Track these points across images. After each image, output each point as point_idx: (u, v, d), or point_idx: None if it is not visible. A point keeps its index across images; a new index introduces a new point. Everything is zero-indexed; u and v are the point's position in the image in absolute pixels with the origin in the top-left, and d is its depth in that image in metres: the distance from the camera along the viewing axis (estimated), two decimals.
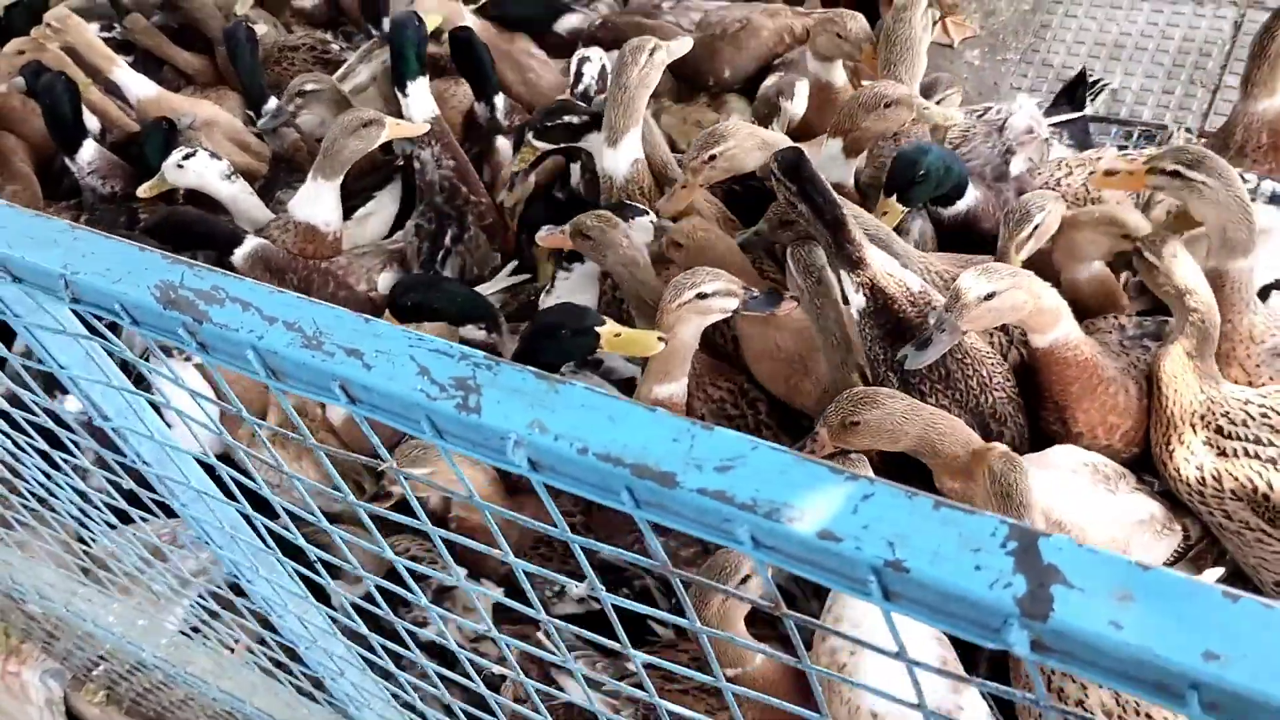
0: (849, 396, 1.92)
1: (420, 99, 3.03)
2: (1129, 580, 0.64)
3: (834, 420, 1.91)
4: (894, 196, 2.38)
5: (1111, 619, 0.63)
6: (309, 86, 3.28)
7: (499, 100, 3.25)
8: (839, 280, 2.14)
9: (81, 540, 1.96)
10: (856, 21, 2.84)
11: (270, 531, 1.30)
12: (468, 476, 0.95)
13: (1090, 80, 3.18)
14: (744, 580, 1.81)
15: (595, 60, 3.06)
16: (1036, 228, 2.20)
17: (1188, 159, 2.03)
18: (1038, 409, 2.15)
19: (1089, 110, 3.12)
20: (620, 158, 2.65)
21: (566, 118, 2.83)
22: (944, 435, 1.90)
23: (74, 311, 1.16)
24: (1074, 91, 3.11)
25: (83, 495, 1.63)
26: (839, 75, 2.99)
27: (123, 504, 1.51)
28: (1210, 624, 0.61)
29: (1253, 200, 2.11)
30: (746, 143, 2.55)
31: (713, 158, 2.50)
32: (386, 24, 3.45)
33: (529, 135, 2.85)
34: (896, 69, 2.66)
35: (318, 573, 1.29)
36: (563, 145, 2.90)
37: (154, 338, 1.01)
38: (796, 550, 0.72)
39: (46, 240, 1.07)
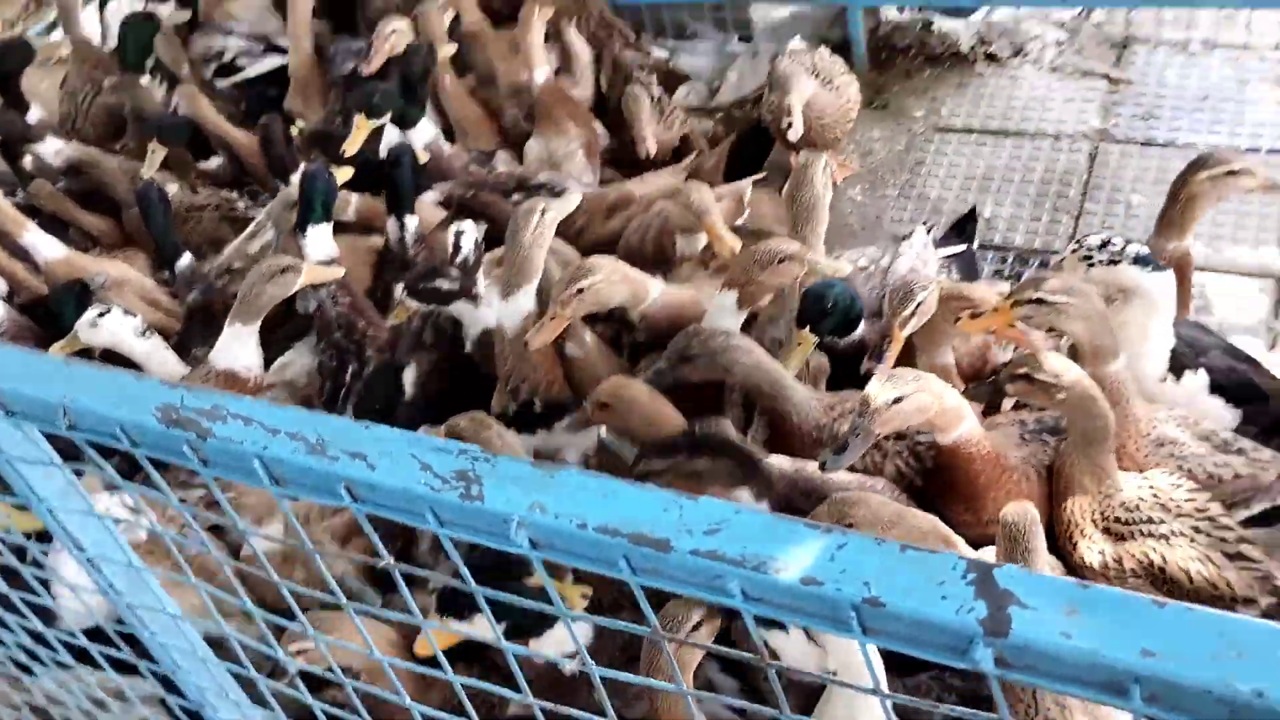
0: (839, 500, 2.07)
1: (320, 241, 3.18)
2: (1073, 598, 0.75)
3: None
4: (806, 328, 2.55)
5: (1062, 630, 0.73)
6: (237, 265, 3.40)
7: (410, 222, 3.40)
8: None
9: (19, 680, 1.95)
10: (700, 193, 3.07)
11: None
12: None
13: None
14: (695, 627, 1.88)
15: (470, 232, 3.21)
16: (919, 305, 2.39)
17: (1047, 285, 2.24)
18: (948, 505, 2.29)
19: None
20: (512, 310, 2.80)
21: (439, 282, 2.97)
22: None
23: (53, 443, 1.23)
24: (964, 227, 3.35)
25: (37, 636, 1.65)
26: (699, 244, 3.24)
27: (83, 640, 1.53)
28: (1144, 628, 0.72)
29: (1118, 262, 2.35)
30: (613, 277, 2.73)
31: (580, 291, 2.67)
32: (296, 177, 3.57)
33: (402, 294, 2.99)
34: (803, 229, 2.91)
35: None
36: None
37: (154, 457, 1.08)
38: (783, 599, 0.82)
39: (44, 374, 1.14)
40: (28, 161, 4.23)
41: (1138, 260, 2.45)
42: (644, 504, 0.87)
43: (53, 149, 4.10)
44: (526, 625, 2.02)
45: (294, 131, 4.12)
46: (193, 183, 4.46)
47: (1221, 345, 2.60)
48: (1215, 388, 2.48)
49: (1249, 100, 3.89)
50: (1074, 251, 2.53)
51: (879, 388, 2.05)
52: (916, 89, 4.33)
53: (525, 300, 2.79)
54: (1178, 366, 2.46)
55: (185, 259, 3.39)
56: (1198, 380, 2.46)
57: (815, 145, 3.66)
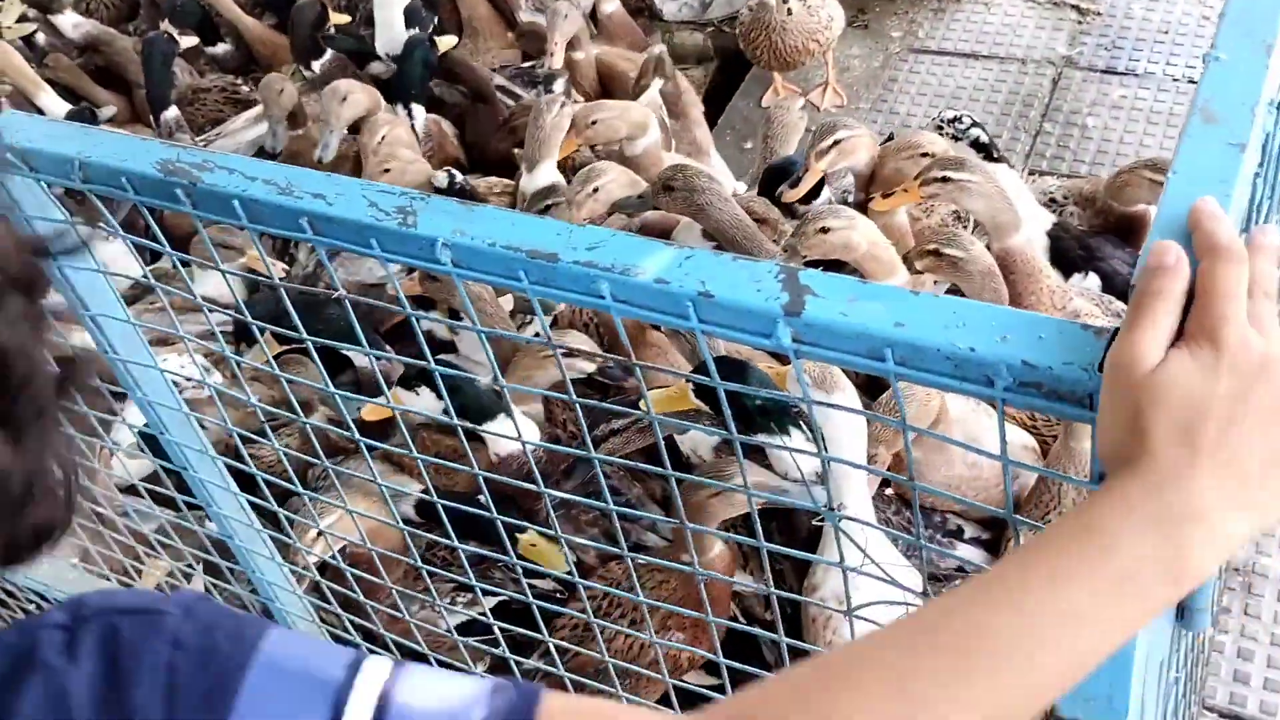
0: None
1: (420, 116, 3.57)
2: (854, 290, 0.97)
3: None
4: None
5: (841, 311, 0.96)
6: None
7: (417, 112, 3.64)
8: None
9: None
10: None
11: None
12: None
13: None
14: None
15: None
16: (838, 141, 2.63)
17: (952, 164, 2.47)
18: None
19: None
20: (535, 180, 3.17)
21: None
22: None
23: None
24: None
25: None
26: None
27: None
28: (899, 309, 0.95)
29: (959, 140, 2.61)
30: (622, 178, 2.96)
31: (595, 190, 2.90)
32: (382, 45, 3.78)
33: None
34: (772, 144, 3.19)
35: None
36: None
37: (152, 205, 1.30)
38: (641, 298, 1.05)
39: (62, 135, 1.36)
40: (40, 38, 4.42)
41: (975, 144, 2.70)
42: (541, 229, 1.10)
43: (71, 22, 4.28)
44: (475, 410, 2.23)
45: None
46: (200, 67, 4.65)
47: (1131, 260, 2.80)
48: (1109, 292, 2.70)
49: (1207, 35, 4.08)
50: (932, 123, 2.79)
51: (815, 214, 2.29)
52: (896, 10, 4.51)
53: (546, 174, 3.14)
54: (1065, 264, 2.68)
55: (172, 110, 3.59)
56: (1086, 283, 2.69)
57: (786, 64, 3.91)
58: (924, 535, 1.49)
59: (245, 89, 4.46)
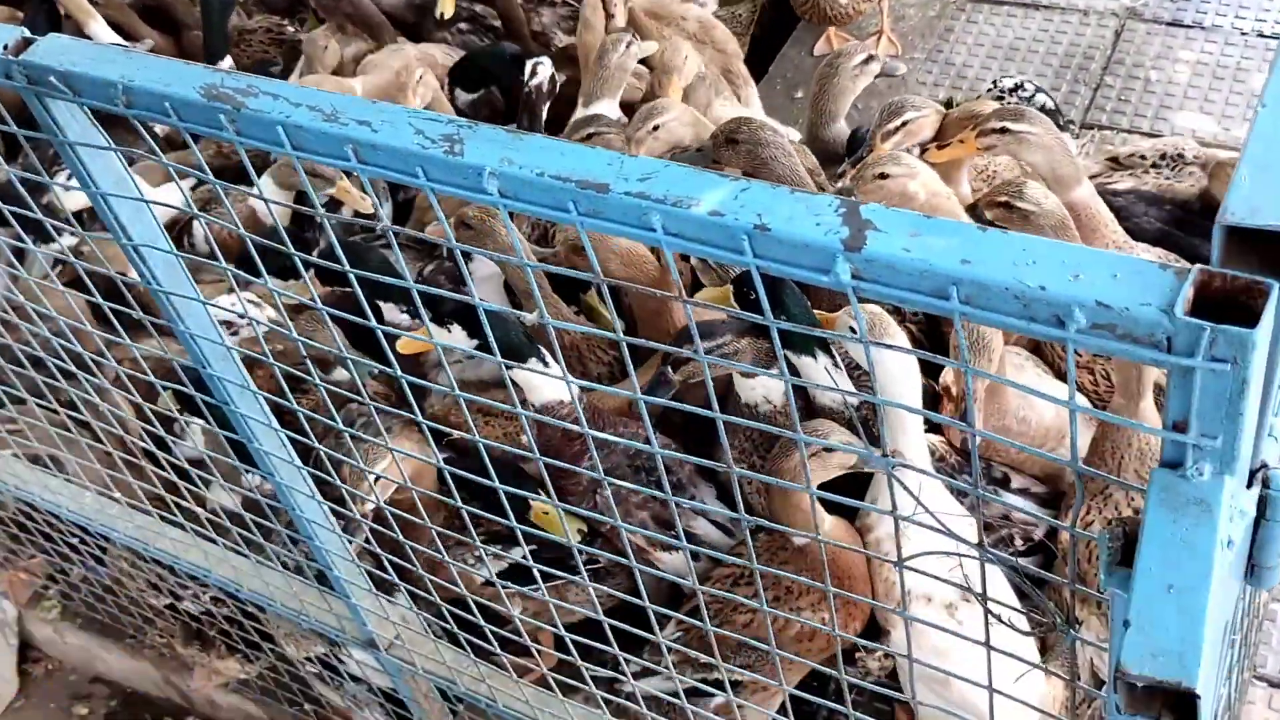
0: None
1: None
2: (917, 224, 0.93)
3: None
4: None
5: (904, 246, 0.92)
6: None
7: None
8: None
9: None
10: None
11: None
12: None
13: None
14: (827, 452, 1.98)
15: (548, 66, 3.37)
16: (906, 122, 2.55)
17: (1011, 115, 2.39)
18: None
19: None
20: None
21: None
22: None
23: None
24: None
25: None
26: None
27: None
28: (965, 245, 0.91)
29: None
30: (684, 117, 2.90)
31: (655, 128, 2.85)
32: None
33: None
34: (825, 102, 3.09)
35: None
36: None
37: (196, 130, 1.28)
38: (694, 231, 1.01)
39: (106, 59, 1.33)
40: None
41: (1042, 111, 2.60)
42: (592, 159, 1.06)
43: None
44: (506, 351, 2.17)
45: None
46: (249, 8, 4.63)
47: (1163, 218, 2.71)
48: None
49: None
50: (988, 91, 2.68)
51: (875, 160, 2.24)
52: None
53: (606, 110, 3.14)
54: None
55: (227, 61, 3.57)
56: None
57: (836, 21, 3.83)
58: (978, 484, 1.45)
59: (290, 29, 4.43)
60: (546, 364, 2.23)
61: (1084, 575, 2.08)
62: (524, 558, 1.98)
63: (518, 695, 2.04)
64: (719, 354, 2.20)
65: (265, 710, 3.24)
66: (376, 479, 1.98)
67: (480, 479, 1.49)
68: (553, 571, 1.79)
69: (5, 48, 1.38)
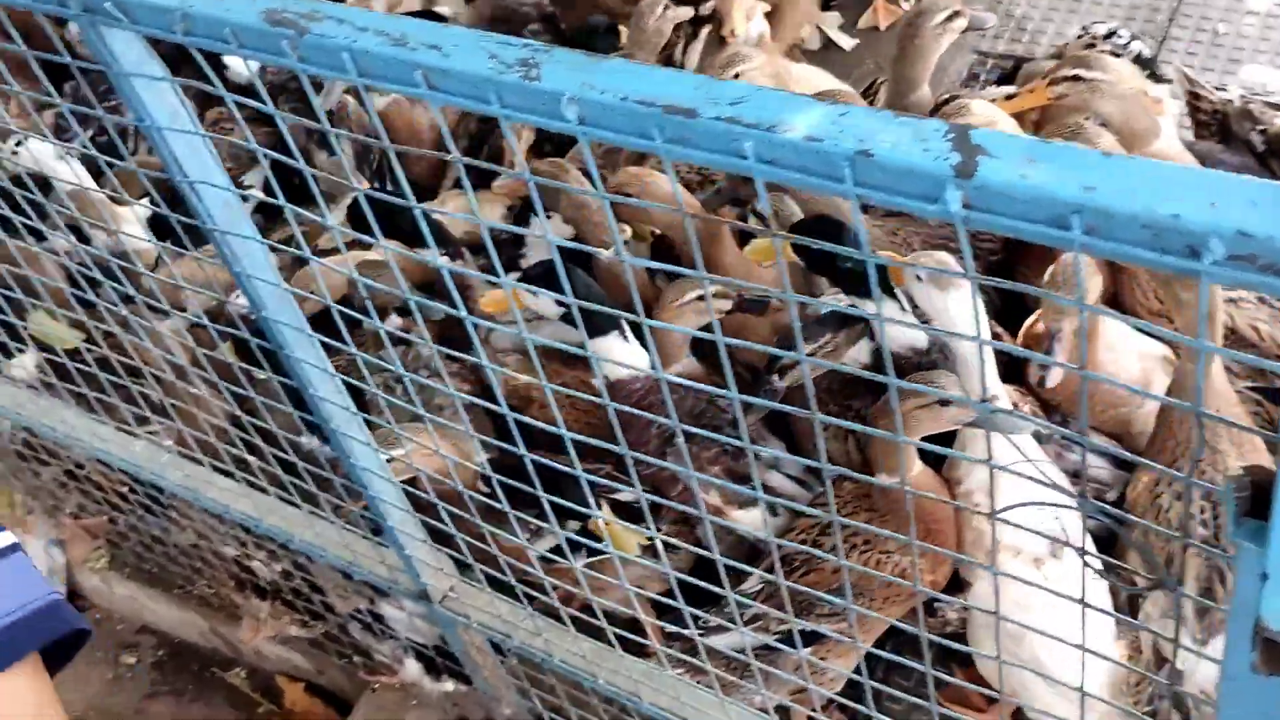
0: None
1: None
2: (1033, 150, 0.87)
3: None
4: None
5: (1020, 173, 0.86)
6: None
7: None
8: None
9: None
10: None
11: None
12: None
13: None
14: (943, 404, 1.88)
15: None
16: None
17: (1084, 61, 2.29)
18: None
19: None
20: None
21: None
22: None
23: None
24: None
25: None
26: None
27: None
28: (1088, 170, 0.84)
29: (1119, 56, 2.38)
30: (766, 69, 2.82)
31: (736, 76, 2.76)
32: None
33: None
34: (908, 70, 2.88)
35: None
36: None
37: (256, 57, 1.23)
38: (789, 157, 0.95)
39: None
40: None
41: (1138, 60, 2.49)
42: (678, 82, 1.00)
43: None
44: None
45: None
46: None
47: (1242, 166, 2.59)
48: None
49: None
50: (1079, 38, 2.56)
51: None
52: None
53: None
54: None
55: None
56: None
57: None
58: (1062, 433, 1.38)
59: None
60: (627, 339, 2.17)
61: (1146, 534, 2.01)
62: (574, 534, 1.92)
63: (575, 650, 2.01)
64: (821, 356, 2.15)
65: (312, 661, 3.24)
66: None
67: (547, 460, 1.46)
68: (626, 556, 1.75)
69: None
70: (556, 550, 1.99)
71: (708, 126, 0.97)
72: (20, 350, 2.71)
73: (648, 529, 1.50)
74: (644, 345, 2.16)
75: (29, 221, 1.91)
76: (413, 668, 2.76)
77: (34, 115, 1.74)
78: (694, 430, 1.29)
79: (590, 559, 2.04)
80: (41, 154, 2.83)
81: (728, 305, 2.35)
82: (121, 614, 3.68)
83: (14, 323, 2.37)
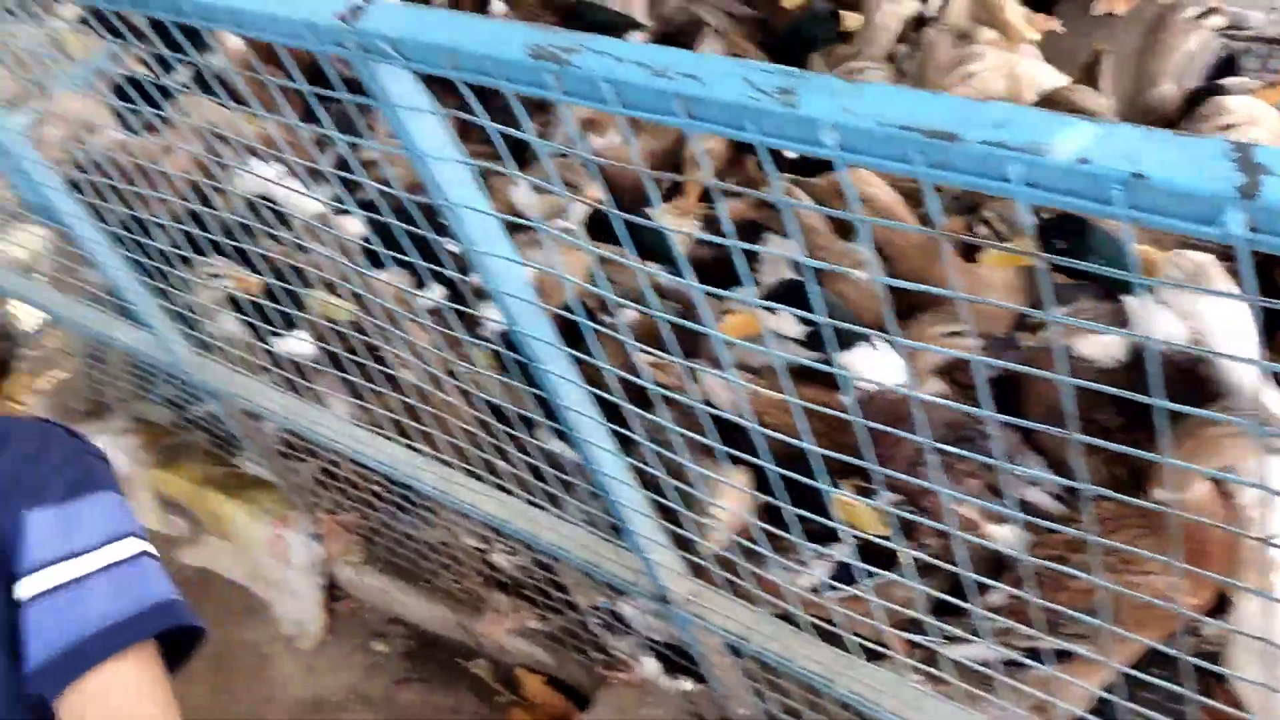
0: None
1: None
2: None
3: None
4: None
5: None
6: None
7: None
8: None
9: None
10: None
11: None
12: None
13: None
14: None
15: None
16: None
17: None
18: None
19: None
20: None
21: None
22: None
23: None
24: None
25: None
26: None
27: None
28: None
29: None
30: (1004, 69, 2.75)
31: (969, 76, 2.72)
32: None
33: None
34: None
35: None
36: None
37: (521, 90, 1.29)
38: (1056, 180, 0.94)
39: (436, 24, 1.36)
40: None
41: None
42: (937, 105, 1.00)
43: None
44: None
45: None
46: None
47: None
48: None
49: None
50: None
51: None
52: None
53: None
54: None
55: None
56: None
57: None
58: None
59: None
60: (876, 348, 2.16)
61: None
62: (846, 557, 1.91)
63: (814, 656, 2.02)
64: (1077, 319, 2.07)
65: (551, 655, 3.35)
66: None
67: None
68: (878, 571, 1.75)
69: (338, 15, 1.43)
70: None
71: (970, 150, 0.97)
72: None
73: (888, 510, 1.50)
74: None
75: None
76: (650, 666, 2.83)
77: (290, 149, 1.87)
78: (948, 449, 1.29)
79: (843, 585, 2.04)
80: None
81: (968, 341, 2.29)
82: (373, 604, 3.89)
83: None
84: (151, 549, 1.41)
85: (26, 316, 5.06)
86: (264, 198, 2.38)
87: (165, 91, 2.19)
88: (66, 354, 5.00)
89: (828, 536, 1.83)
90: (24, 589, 1.31)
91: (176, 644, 1.39)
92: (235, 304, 2.74)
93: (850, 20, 3.15)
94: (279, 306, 2.49)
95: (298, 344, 2.69)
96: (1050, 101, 2.62)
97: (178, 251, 2.57)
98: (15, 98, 3.72)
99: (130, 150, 2.70)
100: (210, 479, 4.01)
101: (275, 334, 2.66)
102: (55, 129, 3.12)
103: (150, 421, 4.35)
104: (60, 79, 2.98)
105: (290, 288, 2.40)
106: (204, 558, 4.24)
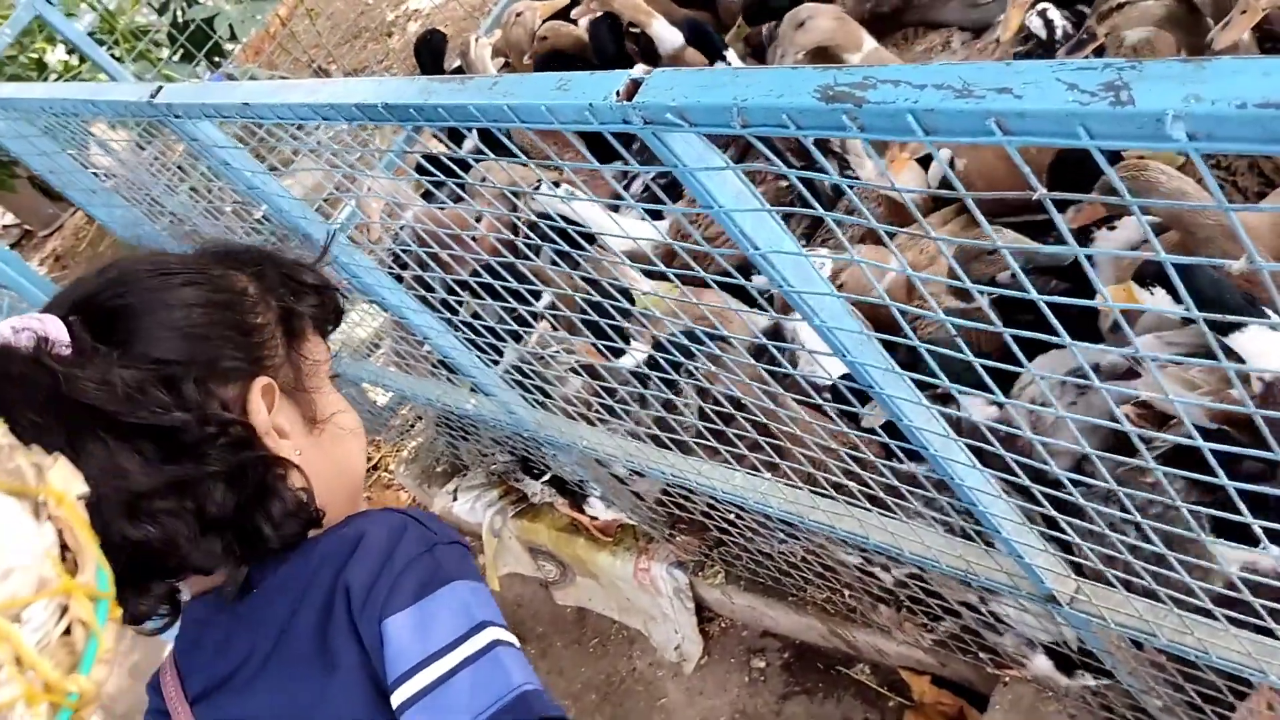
0: None
1: None
2: None
3: None
4: None
5: None
6: None
7: None
8: None
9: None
10: None
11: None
12: None
13: None
14: None
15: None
16: None
17: None
18: None
19: None
20: None
21: None
22: None
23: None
24: None
25: None
26: None
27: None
28: None
29: None
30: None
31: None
32: None
33: None
34: None
35: None
36: None
37: (815, 134, 1.22)
38: None
39: (715, 84, 1.32)
40: None
41: None
42: None
43: None
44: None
45: None
46: None
47: None
48: None
49: None
50: None
51: None
52: None
53: None
54: None
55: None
56: None
57: None
58: None
59: None
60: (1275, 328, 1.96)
61: None
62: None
63: (1236, 648, 1.84)
64: None
65: (934, 655, 3.25)
66: None
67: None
68: None
69: (618, 94, 1.41)
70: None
71: None
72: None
73: None
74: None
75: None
76: (1042, 663, 2.68)
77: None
78: None
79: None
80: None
81: None
82: (744, 621, 3.91)
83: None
84: (506, 635, 1.41)
85: (381, 394, 5.44)
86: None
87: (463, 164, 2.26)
88: (420, 419, 5.33)
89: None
90: (395, 699, 1.35)
91: None
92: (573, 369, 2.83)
93: None
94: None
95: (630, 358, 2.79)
96: None
97: (505, 326, 2.65)
98: (329, 194, 3.98)
99: (438, 219, 2.82)
100: (568, 525, 4.16)
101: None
102: (371, 206, 3.31)
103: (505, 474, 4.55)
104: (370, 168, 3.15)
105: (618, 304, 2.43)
106: (576, 597, 4.40)
